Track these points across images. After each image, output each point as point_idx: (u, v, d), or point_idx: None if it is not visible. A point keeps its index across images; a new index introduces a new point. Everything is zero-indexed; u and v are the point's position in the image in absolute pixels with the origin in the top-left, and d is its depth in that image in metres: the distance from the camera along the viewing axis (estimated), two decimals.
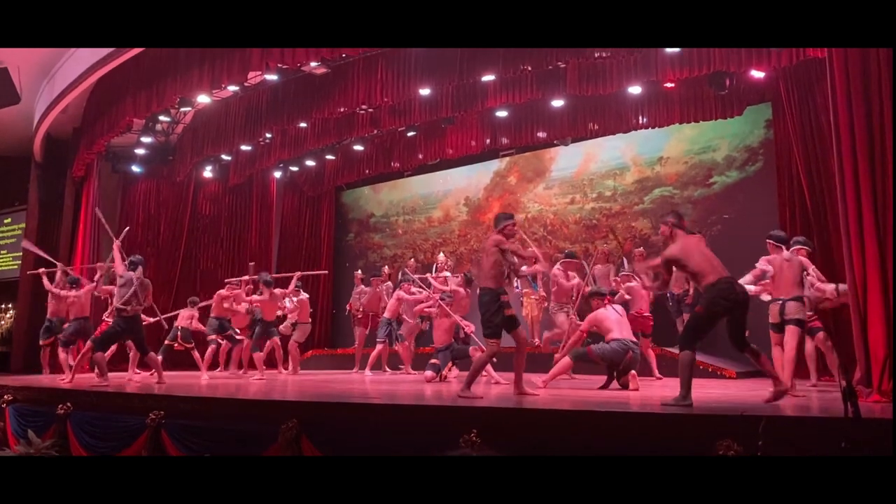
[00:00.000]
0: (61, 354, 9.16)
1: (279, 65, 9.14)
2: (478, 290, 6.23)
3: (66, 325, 9.39)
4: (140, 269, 8.06)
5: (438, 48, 9.24)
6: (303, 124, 11.74)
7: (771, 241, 6.49)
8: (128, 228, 9.70)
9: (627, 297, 8.44)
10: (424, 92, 10.17)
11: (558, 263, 9.34)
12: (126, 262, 8.09)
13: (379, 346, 9.92)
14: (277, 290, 9.80)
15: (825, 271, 8.01)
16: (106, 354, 8.45)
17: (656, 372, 8.31)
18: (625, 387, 6.82)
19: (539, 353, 9.21)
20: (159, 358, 8.50)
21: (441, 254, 12.71)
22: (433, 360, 8.37)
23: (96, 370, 8.23)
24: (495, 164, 13.62)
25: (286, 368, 10.60)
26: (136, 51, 9.60)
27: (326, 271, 13.15)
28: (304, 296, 10.91)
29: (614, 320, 7.02)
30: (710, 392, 6.39)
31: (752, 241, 9.90)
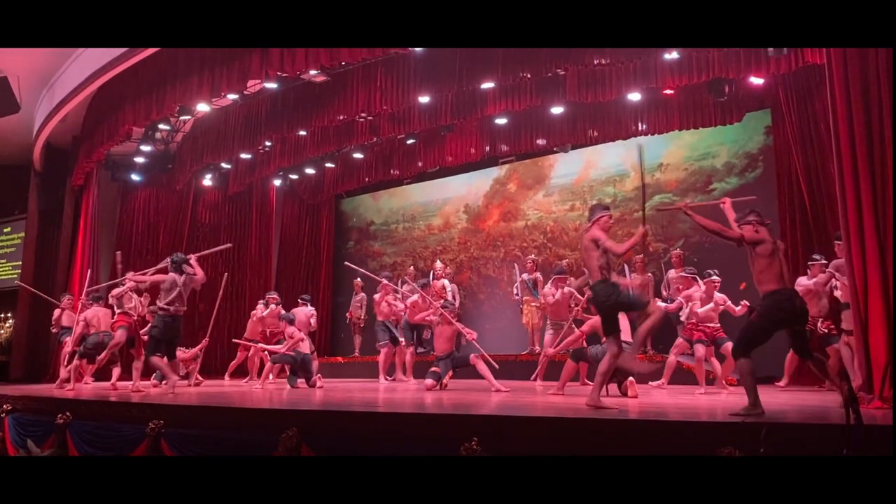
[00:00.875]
0: (75, 361, 9.13)
1: (278, 72, 9.14)
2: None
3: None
4: (186, 267, 7.98)
5: (438, 56, 9.28)
6: (302, 132, 11.75)
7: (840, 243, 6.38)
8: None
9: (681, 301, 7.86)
10: (424, 99, 10.18)
11: (549, 283, 9.28)
12: (168, 264, 8.04)
13: (408, 350, 9.99)
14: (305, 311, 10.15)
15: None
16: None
17: (723, 381, 7.51)
18: (624, 394, 6.82)
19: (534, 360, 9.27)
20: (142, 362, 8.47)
21: (438, 261, 12.71)
22: (434, 368, 8.34)
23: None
24: (495, 172, 13.63)
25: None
26: (135, 59, 9.61)
27: (230, 244, 11.66)
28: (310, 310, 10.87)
29: None
30: (711, 398, 6.38)
31: None
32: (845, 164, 5.39)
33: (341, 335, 14.39)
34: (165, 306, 7.78)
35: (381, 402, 6.82)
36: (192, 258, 8.32)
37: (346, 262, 11.51)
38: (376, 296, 10.28)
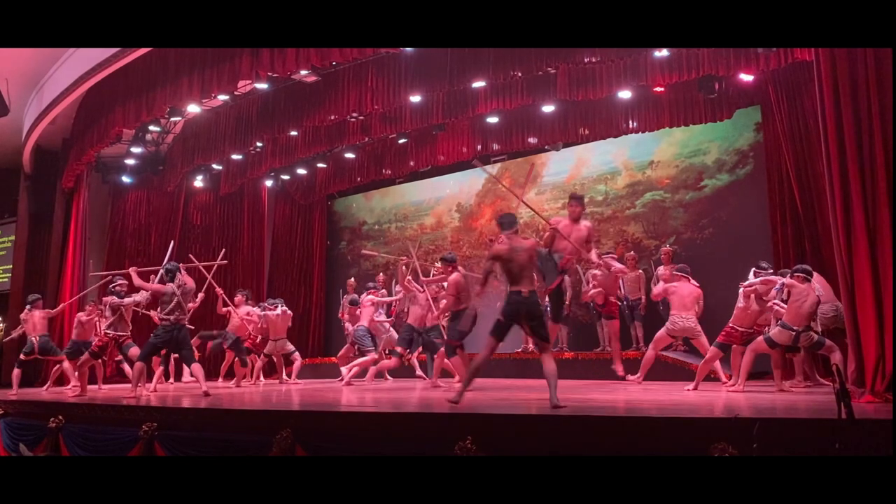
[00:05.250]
0: (66, 365, 9.42)
1: (269, 73, 9.11)
2: None
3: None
4: (178, 276, 8.00)
5: (429, 56, 9.28)
6: (293, 133, 11.73)
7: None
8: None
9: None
10: (415, 99, 10.18)
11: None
12: (164, 274, 8.09)
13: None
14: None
15: (817, 272, 8.07)
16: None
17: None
18: None
19: (532, 358, 9.28)
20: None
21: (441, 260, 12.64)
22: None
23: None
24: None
25: (288, 377, 10.62)
26: (124, 61, 9.57)
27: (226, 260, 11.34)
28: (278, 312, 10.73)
29: None
30: (704, 395, 6.40)
31: (744, 243, 9.98)
32: (833, 161, 5.42)
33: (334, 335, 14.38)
34: (165, 316, 7.81)
35: (374, 401, 6.82)
36: (182, 267, 8.40)
37: (363, 251, 11.54)
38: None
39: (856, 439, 3.38)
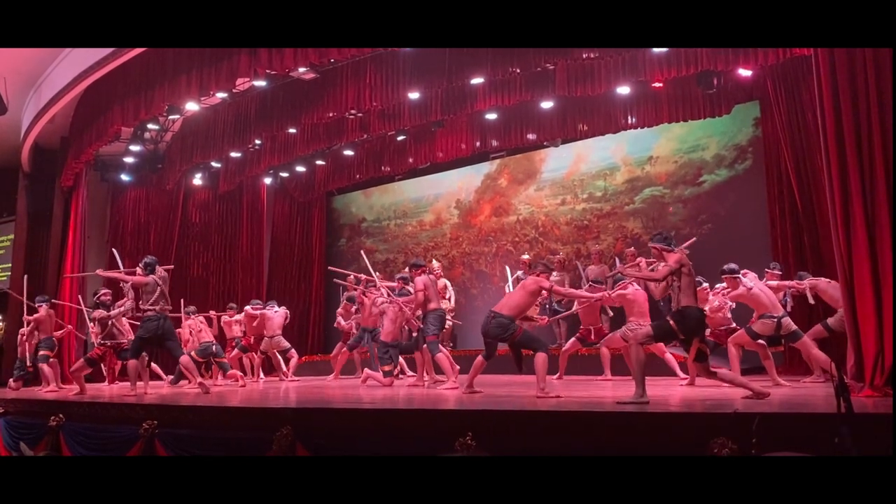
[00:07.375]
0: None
1: (267, 70, 9.11)
2: None
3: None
4: (159, 268, 7.90)
5: (427, 52, 9.26)
6: (292, 130, 11.73)
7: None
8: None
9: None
10: (413, 95, 10.18)
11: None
12: (141, 268, 7.93)
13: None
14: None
15: (815, 267, 8.07)
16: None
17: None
18: None
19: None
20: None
21: (434, 261, 12.66)
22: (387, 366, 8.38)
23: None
24: (486, 167, 13.64)
25: (285, 375, 10.61)
26: (122, 59, 9.56)
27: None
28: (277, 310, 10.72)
29: None
30: (703, 390, 6.40)
31: (743, 239, 9.99)
32: (832, 156, 5.42)
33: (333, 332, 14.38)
34: (150, 307, 7.70)
35: (373, 398, 6.82)
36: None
37: (330, 267, 11.62)
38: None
39: (855, 434, 3.37)
